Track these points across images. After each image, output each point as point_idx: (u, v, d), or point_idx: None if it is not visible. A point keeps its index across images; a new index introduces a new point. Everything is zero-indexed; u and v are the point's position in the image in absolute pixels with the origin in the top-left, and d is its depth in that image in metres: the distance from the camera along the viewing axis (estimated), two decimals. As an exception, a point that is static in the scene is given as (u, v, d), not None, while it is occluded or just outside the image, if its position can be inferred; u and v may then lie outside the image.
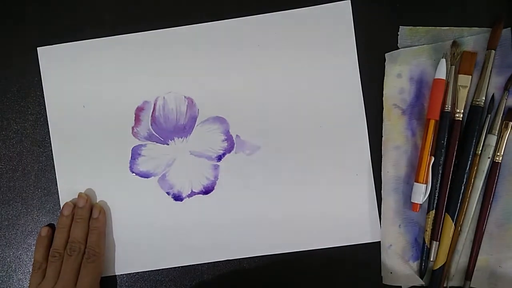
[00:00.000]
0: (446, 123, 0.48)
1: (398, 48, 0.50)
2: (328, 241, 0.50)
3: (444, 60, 0.48)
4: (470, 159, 0.48)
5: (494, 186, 0.48)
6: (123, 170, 0.50)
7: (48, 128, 0.51)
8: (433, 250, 0.48)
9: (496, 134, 0.48)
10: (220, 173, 0.50)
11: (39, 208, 0.51)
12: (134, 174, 0.50)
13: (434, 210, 0.48)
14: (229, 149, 0.50)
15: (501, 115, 0.48)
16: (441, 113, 0.48)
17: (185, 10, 0.51)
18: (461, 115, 0.48)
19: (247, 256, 0.50)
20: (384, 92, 0.50)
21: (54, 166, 0.50)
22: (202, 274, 0.50)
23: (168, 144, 0.50)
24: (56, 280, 0.47)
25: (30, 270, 0.50)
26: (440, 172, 0.48)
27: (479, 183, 0.48)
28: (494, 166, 0.48)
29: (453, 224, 0.48)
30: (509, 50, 0.49)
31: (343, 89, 0.50)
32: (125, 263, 0.50)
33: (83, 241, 0.48)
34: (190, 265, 0.50)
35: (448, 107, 0.48)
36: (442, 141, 0.48)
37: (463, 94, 0.48)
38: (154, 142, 0.50)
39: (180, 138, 0.50)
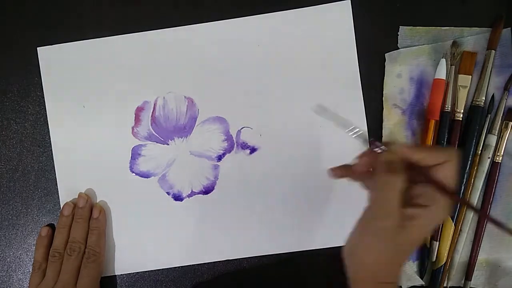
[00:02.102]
0: (446, 123, 0.48)
1: (398, 48, 0.50)
2: (328, 241, 0.50)
3: (444, 60, 0.48)
4: (470, 159, 0.48)
5: (494, 186, 0.48)
6: (123, 170, 0.50)
7: (48, 128, 0.51)
8: (433, 250, 0.48)
9: (496, 134, 0.48)
10: (220, 173, 0.50)
11: (39, 208, 0.51)
12: (134, 174, 0.50)
13: (434, 210, 0.48)
14: (229, 149, 0.50)
15: (501, 115, 0.48)
16: (441, 113, 0.48)
17: (185, 10, 0.51)
18: (461, 115, 0.48)
19: (247, 256, 0.50)
20: (384, 92, 0.50)
21: (54, 166, 0.50)
22: (202, 274, 0.50)
23: (168, 144, 0.50)
24: (56, 280, 0.47)
25: (30, 270, 0.50)
26: (440, 172, 0.48)
27: (479, 183, 0.48)
28: (494, 166, 0.48)
29: (453, 224, 0.48)
30: (509, 50, 0.49)
31: (343, 89, 0.50)
32: (125, 263, 0.50)
33: (83, 241, 0.48)
34: (190, 265, 0.50)
35: (448, 107, 0.48)
36: (442, 141, 0.48)
37: (463, 94, 0.48)
38: (154, 142, 0.50)
39: (180, 138, 0.50)
